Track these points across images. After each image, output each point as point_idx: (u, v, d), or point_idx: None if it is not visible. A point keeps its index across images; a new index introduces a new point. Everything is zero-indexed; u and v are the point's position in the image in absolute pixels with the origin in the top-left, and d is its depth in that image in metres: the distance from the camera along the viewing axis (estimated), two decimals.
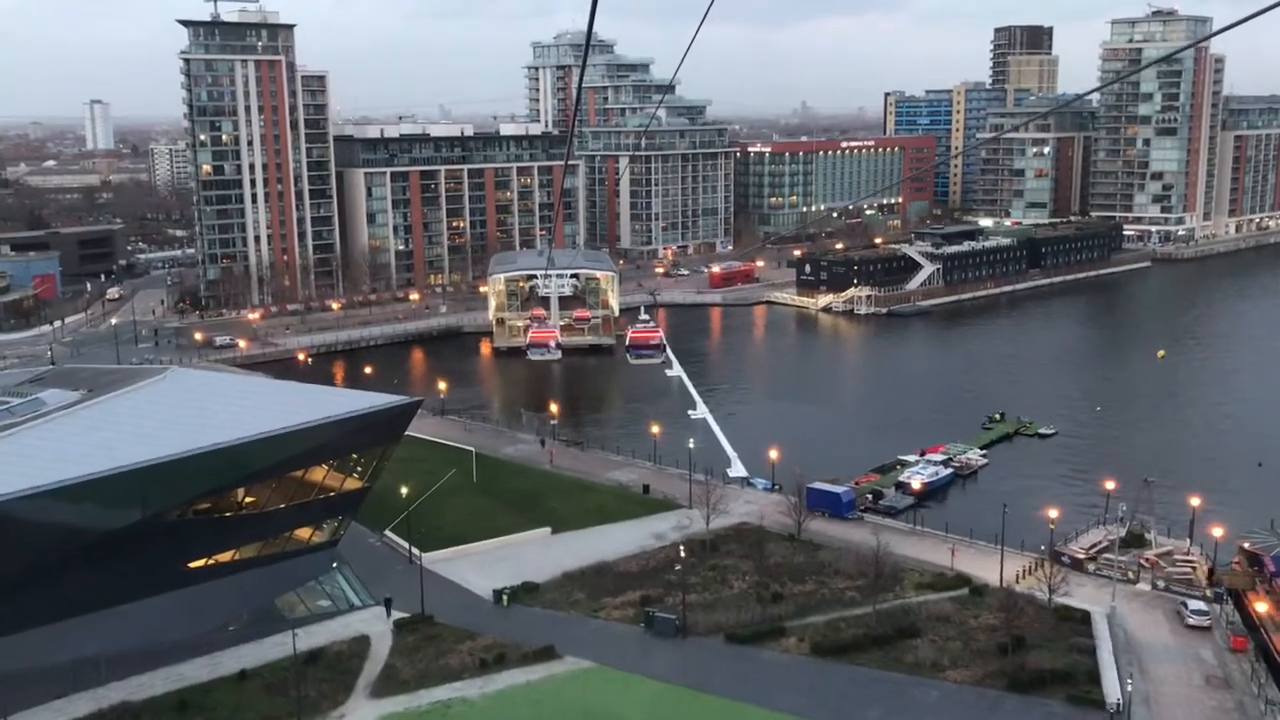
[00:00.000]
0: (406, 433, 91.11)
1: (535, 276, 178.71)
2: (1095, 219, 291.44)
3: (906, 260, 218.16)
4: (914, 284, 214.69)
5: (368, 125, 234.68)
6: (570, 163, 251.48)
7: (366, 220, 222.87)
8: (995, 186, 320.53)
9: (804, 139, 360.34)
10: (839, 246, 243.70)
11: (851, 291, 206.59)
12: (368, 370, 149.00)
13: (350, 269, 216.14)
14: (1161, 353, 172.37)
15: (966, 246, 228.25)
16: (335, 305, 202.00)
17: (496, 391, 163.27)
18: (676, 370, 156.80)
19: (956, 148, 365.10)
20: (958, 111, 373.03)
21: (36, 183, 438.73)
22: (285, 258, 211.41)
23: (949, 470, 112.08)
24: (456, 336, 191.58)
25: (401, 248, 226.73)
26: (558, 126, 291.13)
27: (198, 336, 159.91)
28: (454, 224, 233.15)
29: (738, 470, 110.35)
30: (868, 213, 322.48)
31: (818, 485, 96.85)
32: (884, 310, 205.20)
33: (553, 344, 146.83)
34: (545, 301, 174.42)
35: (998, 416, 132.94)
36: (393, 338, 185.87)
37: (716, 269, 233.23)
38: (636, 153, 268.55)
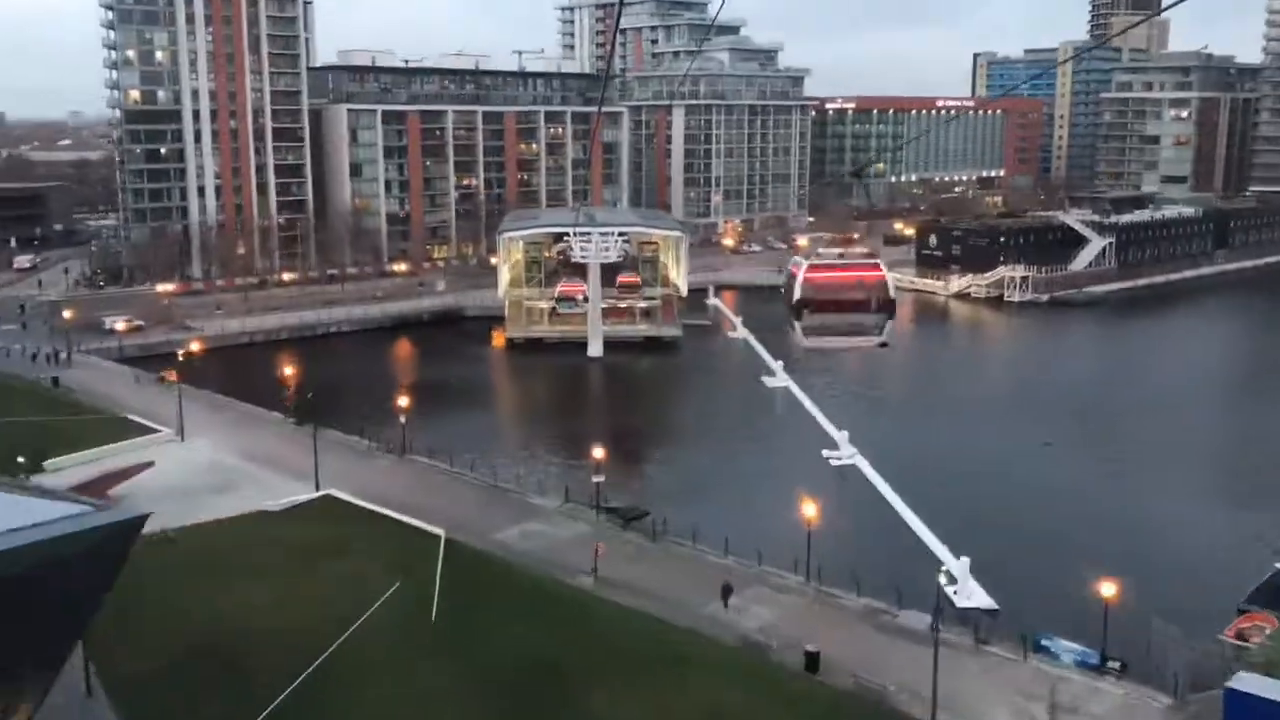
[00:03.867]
0: (331, 494, 40.26)
1: (566, 236, 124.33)
2: (1255, 194, 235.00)
3: (1066, 232, 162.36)
4: (1080, 263, 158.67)
5: (354, 53, 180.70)
6: (611, 110, 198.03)
7: (350, 172, 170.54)
8: (1121, 157, 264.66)
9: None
10: (976, 217, 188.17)
11: (1001, 272, 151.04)
12: (289, 371, 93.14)
13: (327, 234, 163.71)
14: None
15: (1144, 216, 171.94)
16: (285, 277, 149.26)
17: (506, 411, 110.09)
18: (781, 379, 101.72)
19: (1062, 115, 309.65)
20: (1063, 75, 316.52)
21: (39, 157, 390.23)
22: (239, 217, 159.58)
23: None
24: (455, 322, 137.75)
25: (396, 209, 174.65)
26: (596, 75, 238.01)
27: (66, 315, 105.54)
28: (464, 181, 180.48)
29: (972, 596, 47.78)
30: (957, 190, 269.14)
31: (1246, 687, 40.90)
32: (1044, 297, 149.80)
33: (580, 297, 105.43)
34: (581, 271, 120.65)
35: None
36: (365, 323, 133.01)
37: (803, 241, 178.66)
38: (693, 101, 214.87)
